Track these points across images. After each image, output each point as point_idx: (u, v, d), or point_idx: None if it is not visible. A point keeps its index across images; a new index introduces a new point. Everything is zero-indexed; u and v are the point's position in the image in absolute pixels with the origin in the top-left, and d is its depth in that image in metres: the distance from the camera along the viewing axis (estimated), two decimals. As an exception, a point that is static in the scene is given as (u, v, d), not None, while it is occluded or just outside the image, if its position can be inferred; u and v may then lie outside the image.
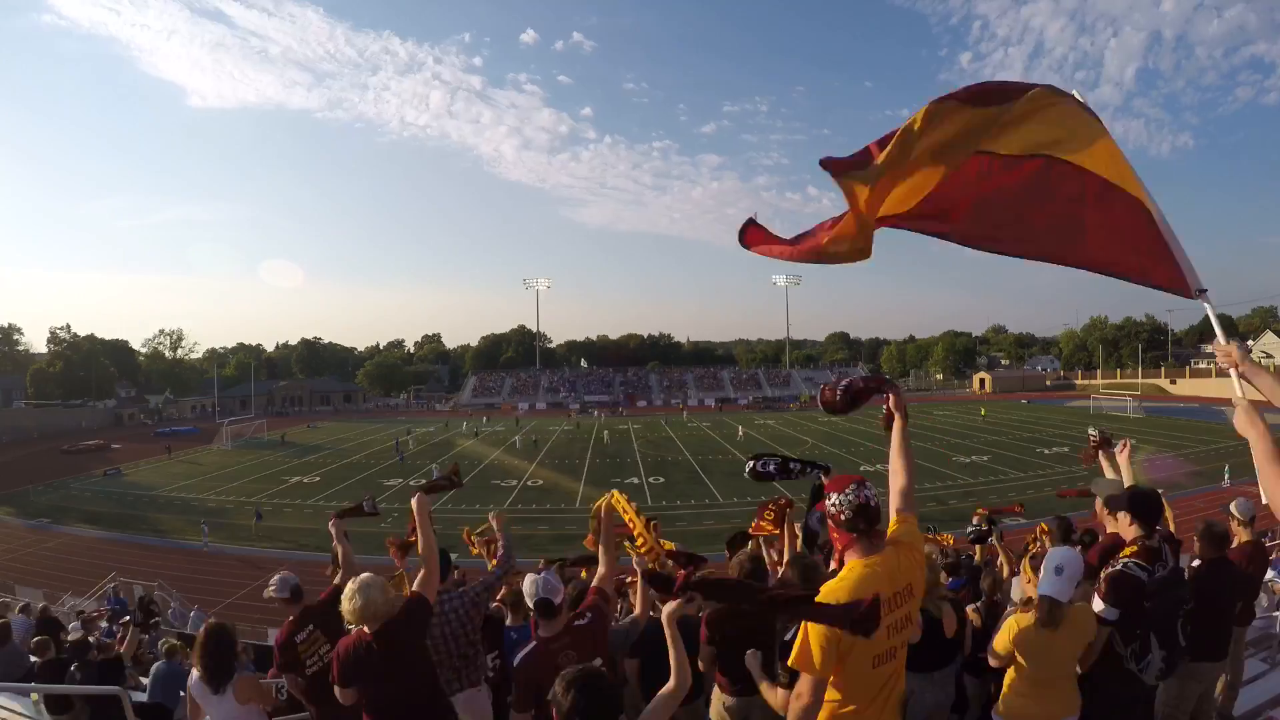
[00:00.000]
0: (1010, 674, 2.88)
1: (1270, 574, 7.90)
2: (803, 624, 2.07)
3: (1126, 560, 2.98)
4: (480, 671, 3.76)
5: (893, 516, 2.37)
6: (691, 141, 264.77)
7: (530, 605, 2.97)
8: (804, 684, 2.03)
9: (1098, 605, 2.91)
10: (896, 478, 2.41)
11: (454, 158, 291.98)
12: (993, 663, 2.94)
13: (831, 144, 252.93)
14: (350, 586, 2.91)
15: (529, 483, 33.96)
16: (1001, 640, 2.86)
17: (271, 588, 4.09)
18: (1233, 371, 2.09)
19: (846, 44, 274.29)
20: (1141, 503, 3.11)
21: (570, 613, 3.04)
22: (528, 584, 2.96)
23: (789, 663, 2.10)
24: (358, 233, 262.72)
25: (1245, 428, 1.85)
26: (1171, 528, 4.20)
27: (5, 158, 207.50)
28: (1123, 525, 3.17)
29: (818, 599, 2.06)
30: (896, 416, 2.51)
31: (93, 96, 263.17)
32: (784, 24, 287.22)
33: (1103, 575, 3.05)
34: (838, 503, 2.15)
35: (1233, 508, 4.27)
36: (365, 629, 2.88)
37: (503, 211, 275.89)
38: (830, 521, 2.20)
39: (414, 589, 3.09)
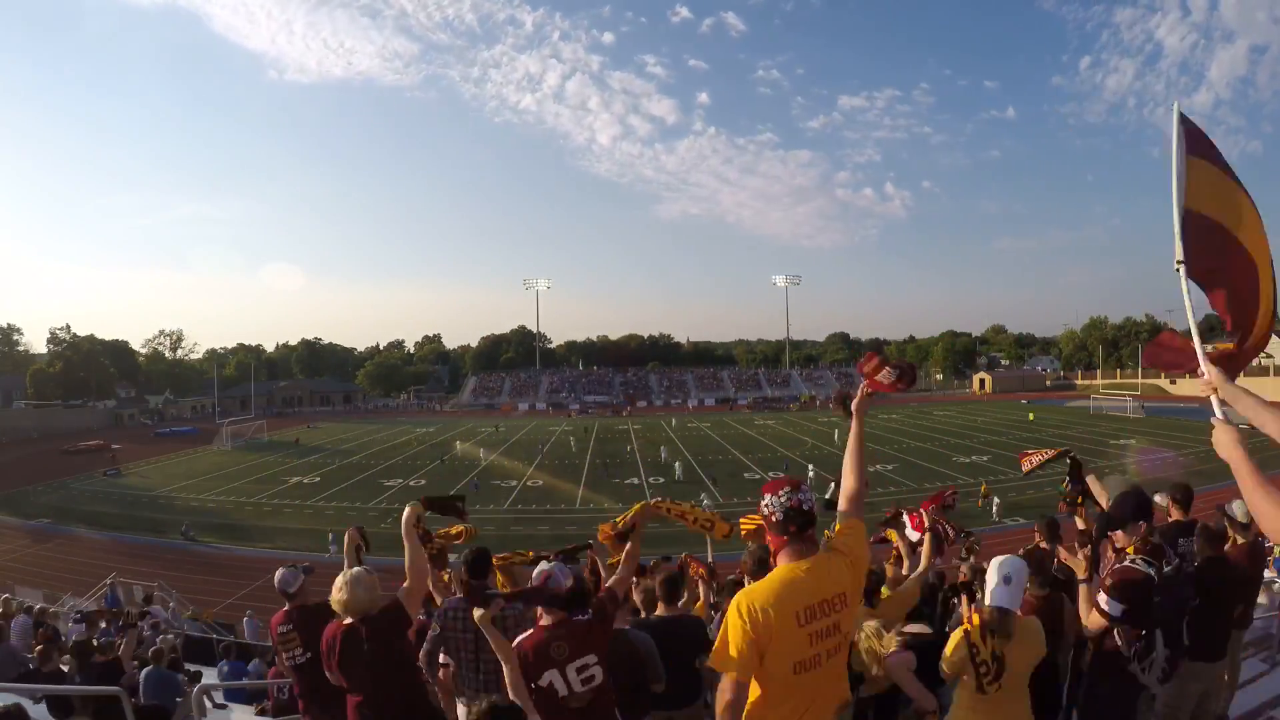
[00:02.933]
0: (960, 689, 2.80)
1: (1269, 574, 7.90)
2: (724, 622, 2.11)
3: (1133, 557, 2.98)
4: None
5: (837, 521, 2.35)
6: (793, 136, 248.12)
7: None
8: (725, 682, 2.06)
9: (1102, 600, 2.89)
10: (846, 478, 2.39)
11: (539, 147, 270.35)
12: (946, 675, 2.87)
13: (928, 144, 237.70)
14: (340, 579, 3.11)
15: (529, 483, 33.97)
16: (951, 653, 2.78)
17: (276, 578, 4.31)
18: (1212, 396, 2.01)
19: (982, 43, 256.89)
20: (1131, 507, 3.12)
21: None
22: (536, 574, 3.04)
23: (708, 661, 2.14)
24: (366, 231, 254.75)
25: (1228, 451, 1.78)
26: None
27: (20, 140, 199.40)
28: (1120, 537, 3.16)
29: (737, 595, 2.12)
30: (856, 415, 2.51)
31: (155, 66, 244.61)
32: (933, 19, 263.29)
33: (1109, 570, 3.05)
34: (770, 504, 2.17)
35: (1230, 508, 4.27)
36: (346, 619, 3.09)
37: (571, 205, 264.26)
38: (764, 524, 2.21)
39: (397, 596, 3.26)
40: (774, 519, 2.16)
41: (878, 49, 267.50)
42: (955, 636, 2.79)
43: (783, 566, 2.14)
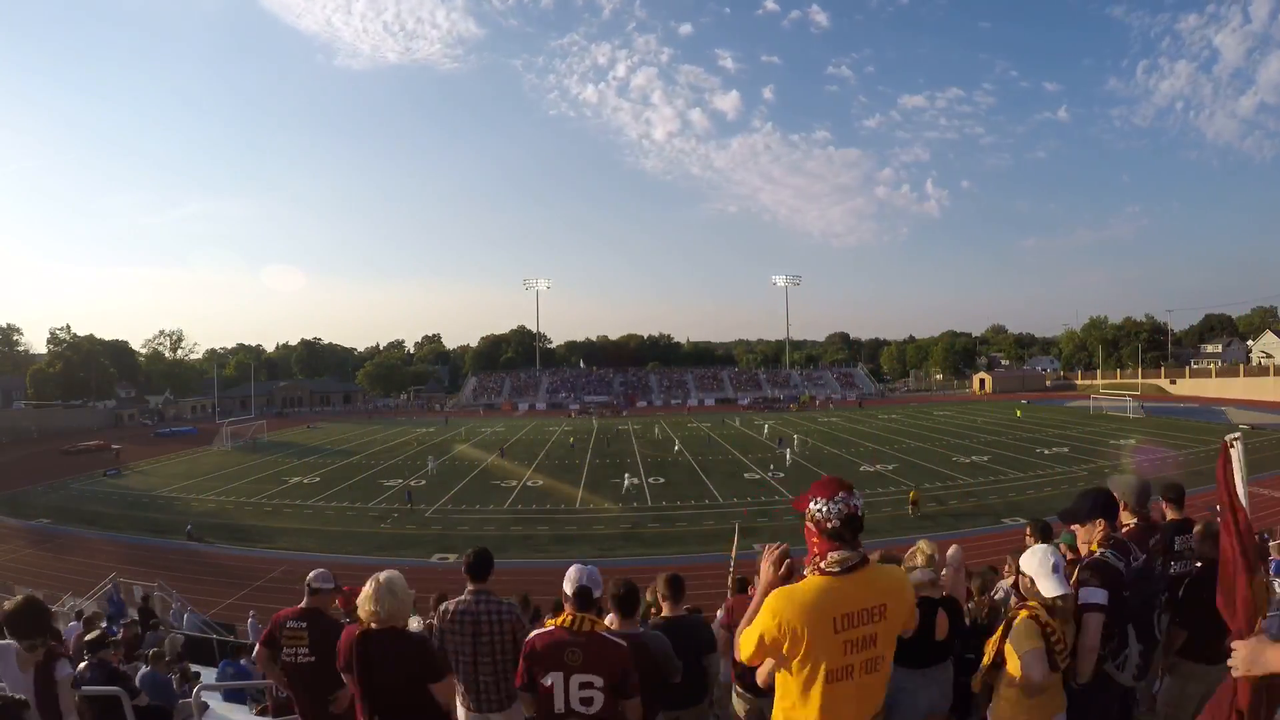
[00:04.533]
0: (1004, 680, 2.80)
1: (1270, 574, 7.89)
2: (758, 611, 2.11)
3: (1102, 551, 3.00)
4: (515, 693, 3.67)
5: None
6: (848, 135, 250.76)
7: (569, 592, 2.99)
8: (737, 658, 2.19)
9: (1086, 594, 2.87)
10: None
11: (587, 142, 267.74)
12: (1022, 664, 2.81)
13: (978, 144, 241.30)
14: (369, 589, 3.01)
15: (529, 483, 33.96)
16: (1022, 637, 2.74)
17: (311, 576, 4.27)
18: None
19: (1051, 46, 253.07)
20: (1091, 505, 3.12)
21: (598, 619, 3.03)
22: (572, 572, 3.01)
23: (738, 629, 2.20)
24: (367, 230, 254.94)
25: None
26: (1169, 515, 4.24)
27: (21, 139, 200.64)
28: (1083, 535, 3.17)
29: (770, 594, 2.10)
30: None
31: (187, 52, 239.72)
32: (1010, 20, 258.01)
33: (1083, 564, 3.05)
34: (825, 510, 2.10)
35: None
36: (371, 625, 3.00)
37: (602, 202, 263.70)
38: (812, 525, 2.14)
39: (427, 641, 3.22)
40: (829, 525, 2.09)
41: (950, 47, 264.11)
42: (1020, 622, 2.76)
43: (822, 574, 2.10)
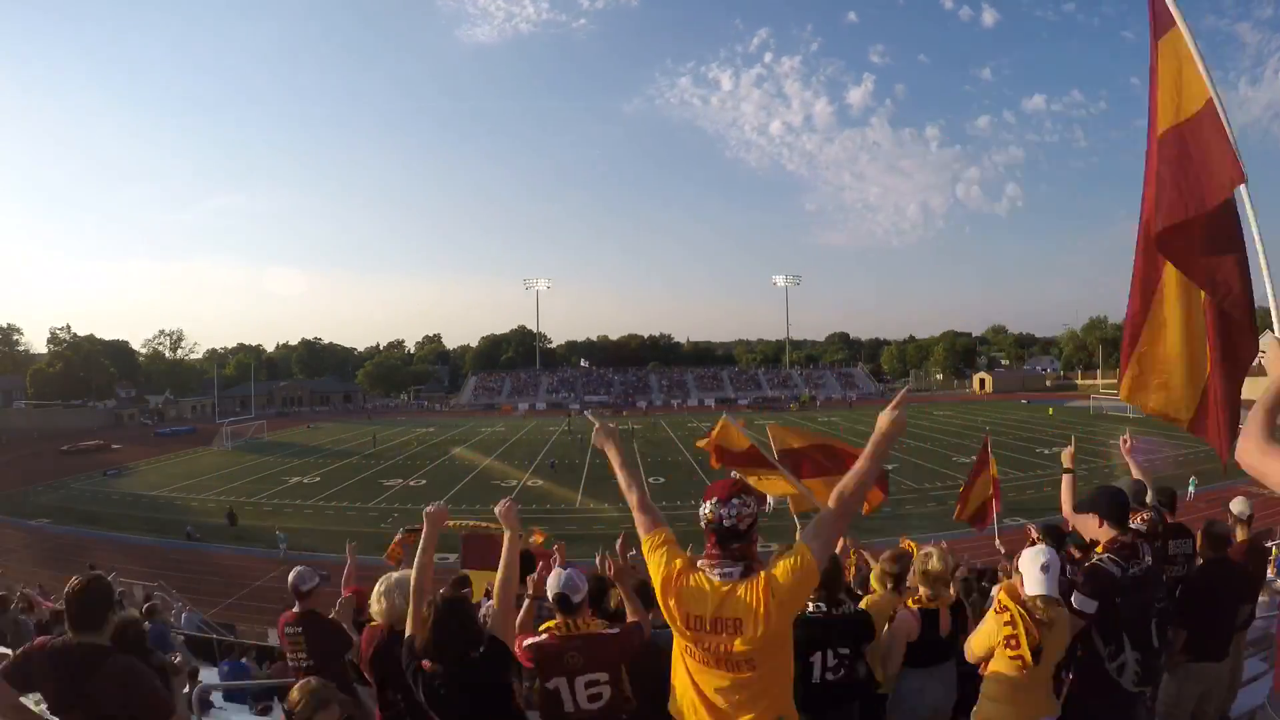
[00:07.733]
0: (988, 678, 2.82)
1: (1270, 573, 7.88)
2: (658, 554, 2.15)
3: (1101, 555, 3.00)
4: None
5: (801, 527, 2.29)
6: (956, 134, 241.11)
7: (550, 598, 3.00)
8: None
9: (1076, 599, 2.90)
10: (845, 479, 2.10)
11: (689, 131, 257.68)
12: (970, 659, 2.94)
13: (1072, 148, 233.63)
14: (379, 589, 3.06)
15: (529, 483, 33.95)
16: (981, 642, 2.84)
17: (293, 579, 4.29)
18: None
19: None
20: (1108, 502, 3.09)
21: (595, 616, 3.04)
22: (552, 579, 3.01)
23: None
24: (371, 228, 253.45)
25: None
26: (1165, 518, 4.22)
27: (21, 135, 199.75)
28: (1092, 526, 3.13)
29: (674, 563, 2.11)
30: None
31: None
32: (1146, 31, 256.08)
33: (1081, 569, 3.07)
34: (701, 508, 2.07)
35: (1231, 506, 4.28)
36: (388, 625, 3.04)
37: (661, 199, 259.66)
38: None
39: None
40: (702, 523, 2.08)
41: (1093, 53, 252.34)
42: (990, 618, 2.81)
43: (700, 573, 2.06)
